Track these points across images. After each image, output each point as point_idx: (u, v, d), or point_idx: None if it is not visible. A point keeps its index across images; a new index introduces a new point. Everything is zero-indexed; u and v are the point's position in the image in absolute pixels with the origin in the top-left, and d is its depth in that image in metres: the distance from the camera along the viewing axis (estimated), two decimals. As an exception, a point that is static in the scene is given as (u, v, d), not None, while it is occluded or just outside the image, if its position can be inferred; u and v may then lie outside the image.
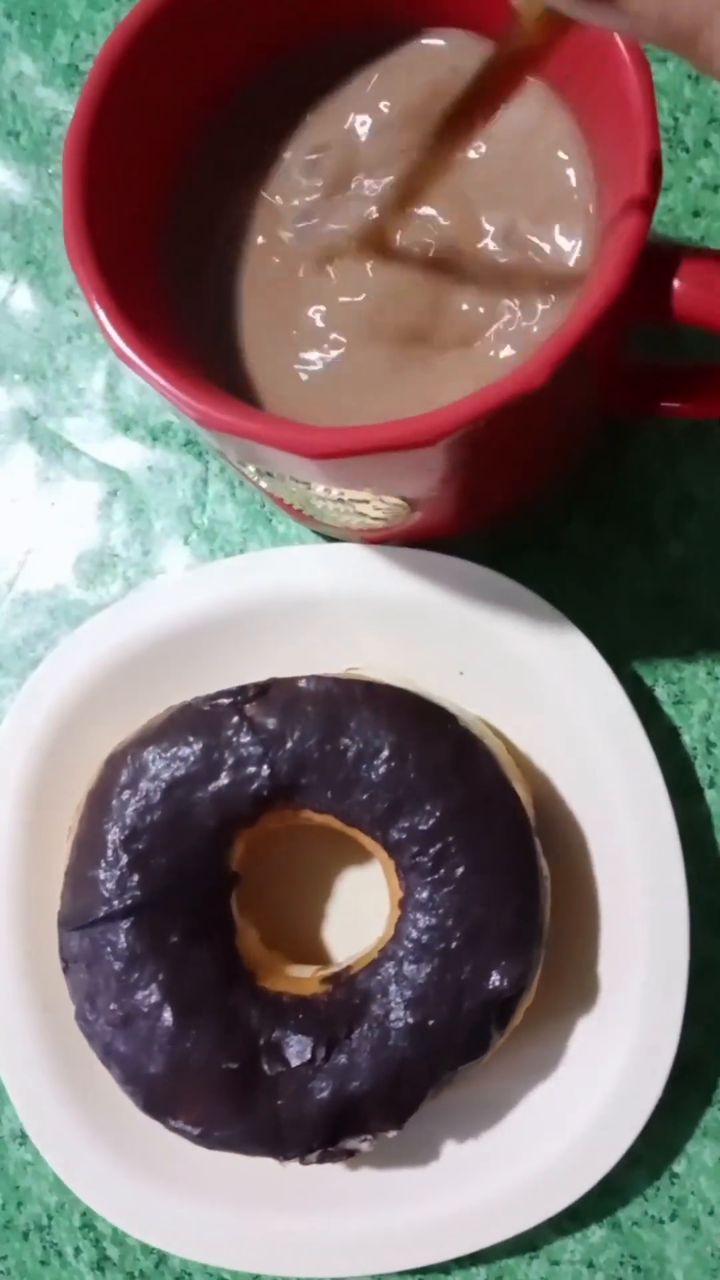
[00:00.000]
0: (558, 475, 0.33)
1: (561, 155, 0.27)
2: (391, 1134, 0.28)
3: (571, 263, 0.27)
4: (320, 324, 0.27)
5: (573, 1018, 0.31)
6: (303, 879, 0.33)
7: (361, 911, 0.33)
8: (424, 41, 0.28)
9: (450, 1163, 0.31)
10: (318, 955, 0.33)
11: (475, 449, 0.25)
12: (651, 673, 0.33)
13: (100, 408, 0.36)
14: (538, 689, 0.32)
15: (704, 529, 0.34)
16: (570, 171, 0.27)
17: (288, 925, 0.33)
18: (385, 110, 0.28)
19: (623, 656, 0.33)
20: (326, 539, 0.35)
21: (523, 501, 0.33)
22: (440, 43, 0.28)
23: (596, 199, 0.26)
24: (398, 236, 0.27)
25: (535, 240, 0.27)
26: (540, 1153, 0.30)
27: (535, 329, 0.26)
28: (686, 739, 0.33)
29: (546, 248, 0.27)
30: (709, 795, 0.32)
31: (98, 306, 0.24)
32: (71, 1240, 0.33)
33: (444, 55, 0.28)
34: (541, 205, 0.27)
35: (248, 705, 0.30)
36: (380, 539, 0.32)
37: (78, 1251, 0.33)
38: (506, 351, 0.27)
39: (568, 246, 0.26)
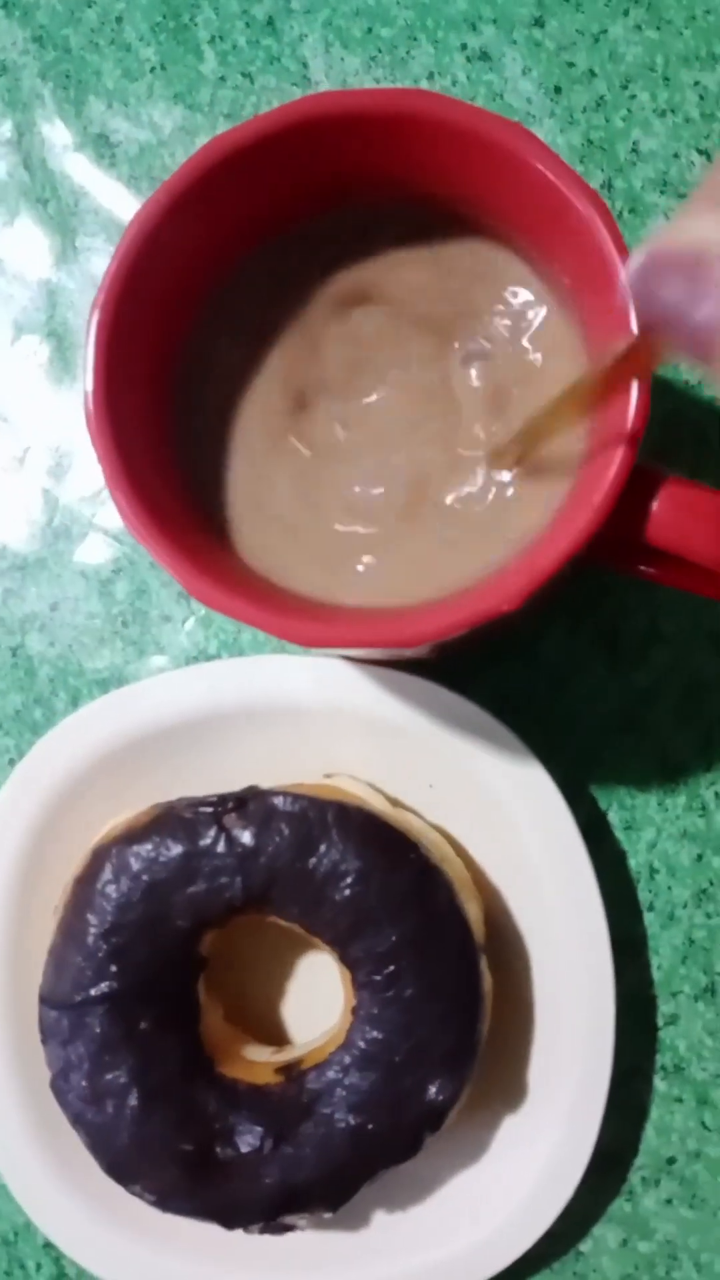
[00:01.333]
0: (534, 618, 0.35)
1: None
2: (327, 1215, 0.31)
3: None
4: (320, 498, 0.29)
5: (501, 1112, 0.34)
6: (266, 960, 0.36)
7: (319, 990, 0.35)
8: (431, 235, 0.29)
9: (382, 1233, 0.34)
10: (275, 1032, 0.36)
11: (452, 639, 0.27)
12: (606, 796, 0.36)
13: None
14: (496, 809, 0.34)
15: (669, 661, 0.36)
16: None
17: (249, 1003, 0.35)
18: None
19: (580, 775, 0.36)
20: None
21: (498, 639, 0.34)
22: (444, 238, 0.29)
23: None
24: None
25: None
26: (463, 1230, 0.33)
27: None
28: (632, 863, 0.35)
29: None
30: (648, 917, 0.35)
31: (120, 495, 0.25)
32: (34, 1256, 0.37)
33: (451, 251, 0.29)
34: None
35: (227, 816, 0.32)
36: (364, 660, 0.34)
37: (39, 1267, 0.37)
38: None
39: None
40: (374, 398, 0.29)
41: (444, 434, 0.29)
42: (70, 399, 0.38)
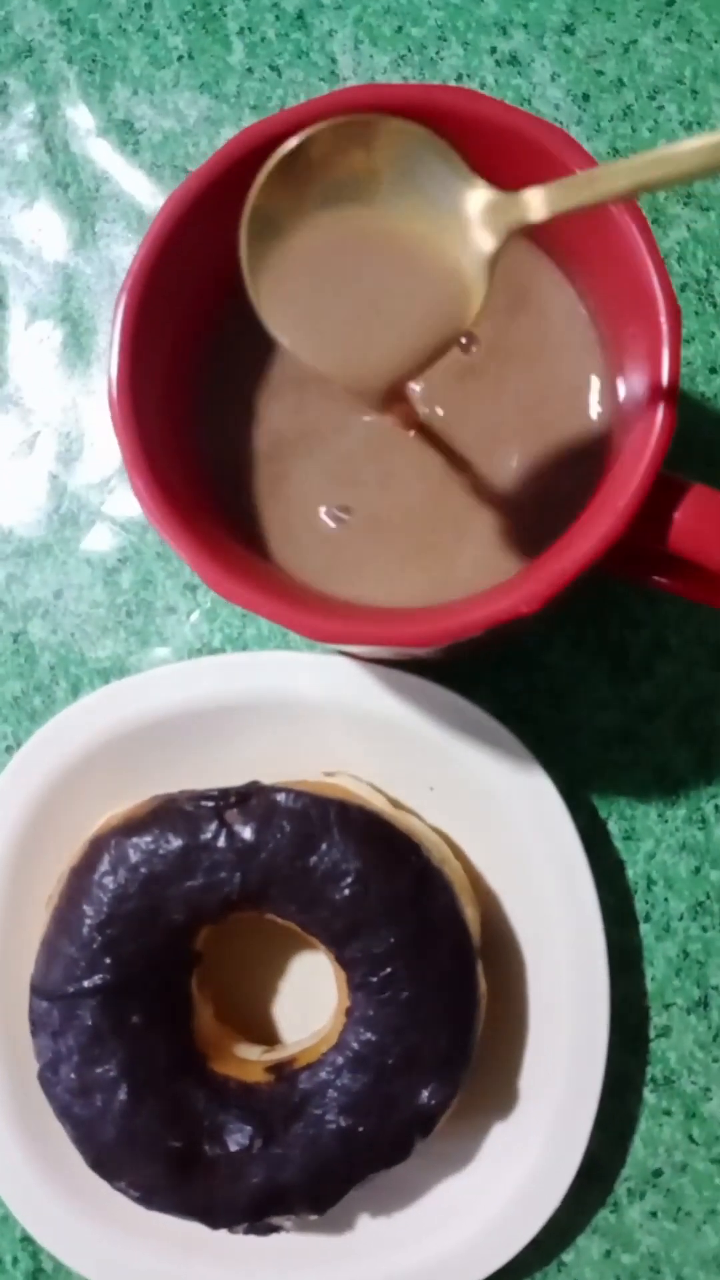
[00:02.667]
0: (543, 623, 0.35)
1: (594, 380, 0.28)
2: (313, 1218, 0.31)
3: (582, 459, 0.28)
4: (339, 488, 0.28)
5: (490, 1119, 0.34)
6: (260, 958, 0.35)
7: (312, 990, 0.35)
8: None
9: (366, 1236, 0.34)
10: (267, 1030, 0.35)
11: (466, 640, 0.26)
12: (606, 806, 0.35)
13: (121, 475, 0.38)
14: (497, 814, 0.34)
15: (673, 674, 0.36)
16: (594, 397, 0.28)
17: (243, 1001, 0.35)
18: None
19: (582, 784, 0.36)
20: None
21: (506, 645, 0.34)
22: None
23: (611, 411, 0.28)
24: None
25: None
26: (448, 1236, 0.33)
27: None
28: (630, 873, 0.35)
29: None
30: (643, 928, 0.35)
31: (137, 478, 0.25)
32: (11, 1250, 0.36)
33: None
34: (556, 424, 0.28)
35: (228, 811, 0.32)
36: (371, 659, 0.34)
37: (15, 1260, 0.36)
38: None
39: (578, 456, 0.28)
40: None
41: (482, 423, 0.29)
42: (83, 385, 0.38)
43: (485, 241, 0.22)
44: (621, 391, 0.27)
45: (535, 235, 0.28)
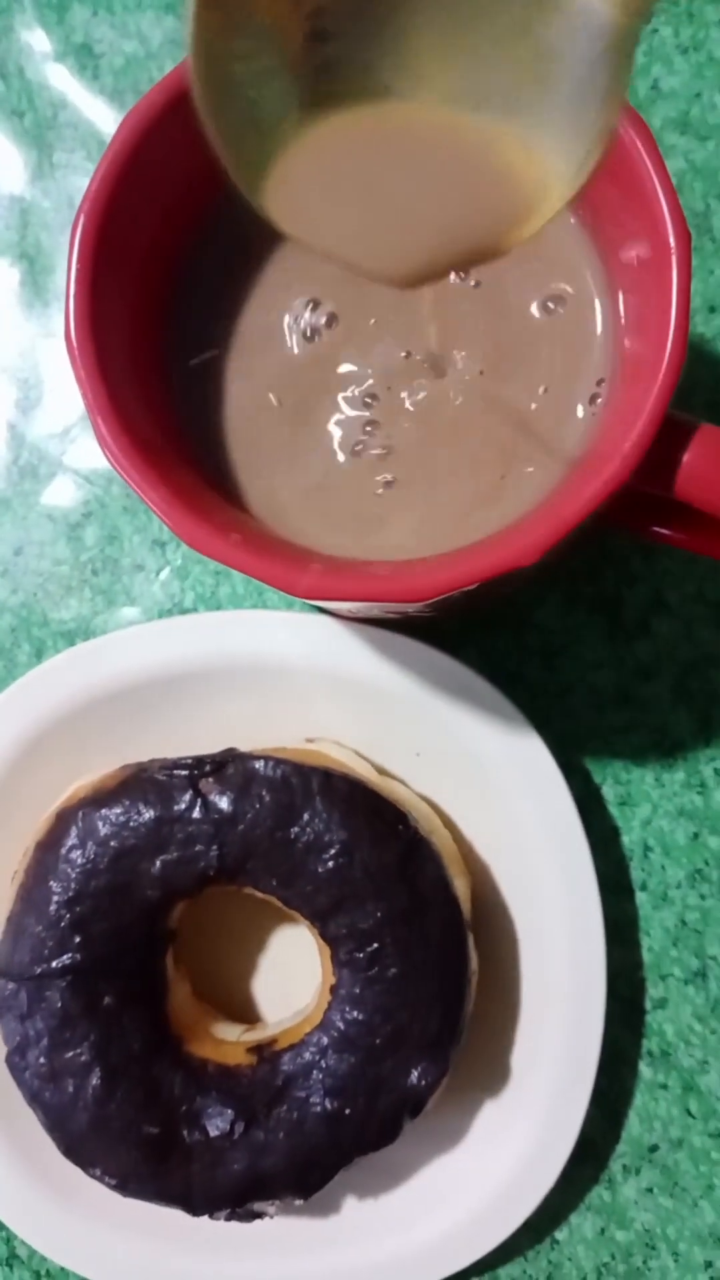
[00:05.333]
0: (538, 579, 0.33)
1: (598, 314, 0.26)
2: (298, 1203, 0.30)
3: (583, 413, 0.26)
4: (323, 435, 0.26)
5: (482, 1096, 0.32)
6: (238, 933, 0.34)
7: (291, 968, 0.33)
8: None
9: (353, 1219, 0.32)
10: (247, 1009, 0.34)
11: (459, 595, 0.24)
12: (601, 770, 0.34)
13: (83, 424, 0.35)
14: (487, 780, 0.32)
15: (671, 634, 0.34)
16: (599, 326, 0.26)
17: (220, 978, 0.33)
18: None
19: (576, 748, 0.34)
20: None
21: (502, 603, 0.33)
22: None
23: (616, 352, 0.26)
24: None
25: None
26: (438, 1220, 0.32)
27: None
28: (626, 840, 0.34)
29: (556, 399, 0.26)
30: (639, 897, 0.34)
31: (102, 427, 0.23)
32: (-19, 1239, 0.35)
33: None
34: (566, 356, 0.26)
35: (203, 780, 0.30)
36: (354, 618, 0.32)
37: (-14, 1249, 0.35)
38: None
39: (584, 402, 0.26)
40: (374, 323, 0.27)
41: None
42: (42, 326, 0.36)
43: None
44: (624, 323, 0.25)
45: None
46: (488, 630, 0.34)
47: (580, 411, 0.26)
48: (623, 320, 0.25)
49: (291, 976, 0.33)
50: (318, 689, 0.32)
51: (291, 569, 0.23)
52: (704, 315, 0.34)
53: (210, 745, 0.32)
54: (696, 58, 0.35)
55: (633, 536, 0.32)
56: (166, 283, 0.26)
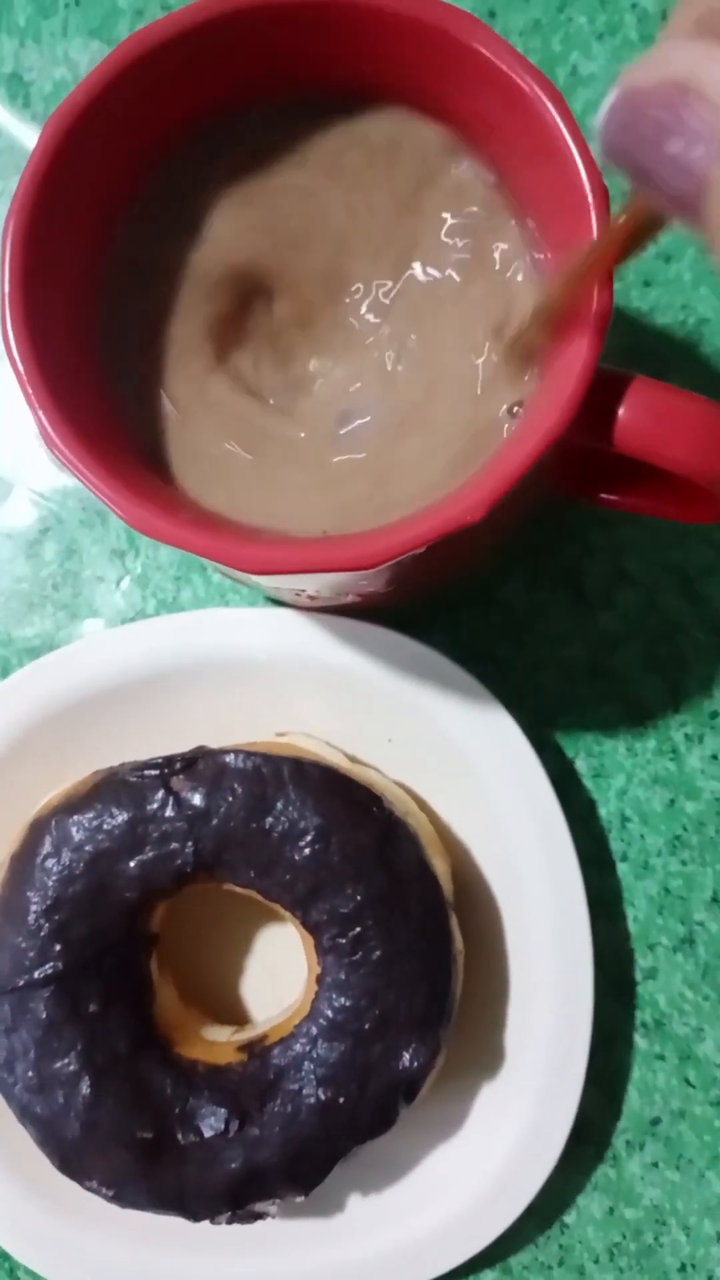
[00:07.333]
0: (497, 553, 0.33)
1: (519, 277, 0.26)
2: (299, 1199, 0.29)
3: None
4: (256, 407, 0.27)
5: (477, 1081, 0.32)
6: (222, 935, 0.33)
7: (279, 967, 0.33)
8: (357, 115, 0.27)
9: (355, 1214, 0.32)
10: (235, 1010, 0.33)
11: (412, 560, 0.25)
12: (573, 744, 0.34)
13: (36, 443, 0.36)
14: (461, 762, 0.32)
15: (635, 603, 0.34)
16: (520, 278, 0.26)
17: (206, 981, 0.33)
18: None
19: (547, 723, 0.34)
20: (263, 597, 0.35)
21: (461, 578, 0.33)
22: (376, 119, 0.27)
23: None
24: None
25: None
26: (440, 1209, 0.31)
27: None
28: (603, 813, 0.34)
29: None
30: (620, 869, 0.34)
31: (43, 413, 0.23)
32: (-18, 1271, 0.34)
33: (379, 130, 0.27)
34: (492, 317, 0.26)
35: (174, 778, 0.30)
36: (316, 608, 0.32)
37: (-12, 1282, 0.34)
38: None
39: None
40: (311, 303, 0.27)
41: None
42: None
43: None
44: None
45: (442, 111, 0.26)
46: (453, 613, 0.34)
47: (526, 376, 0.26)
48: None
49: (279, 977, 0.33)
50: (286, 682, 0.32)
51: (243, 543, 0.24)
52: (639, 289, 0.35)
53: (182, 746, 0.32)
54: (612, 42, 0.35)
55: (589, 505, 0.33)
56: (102, 269, 0.27)
